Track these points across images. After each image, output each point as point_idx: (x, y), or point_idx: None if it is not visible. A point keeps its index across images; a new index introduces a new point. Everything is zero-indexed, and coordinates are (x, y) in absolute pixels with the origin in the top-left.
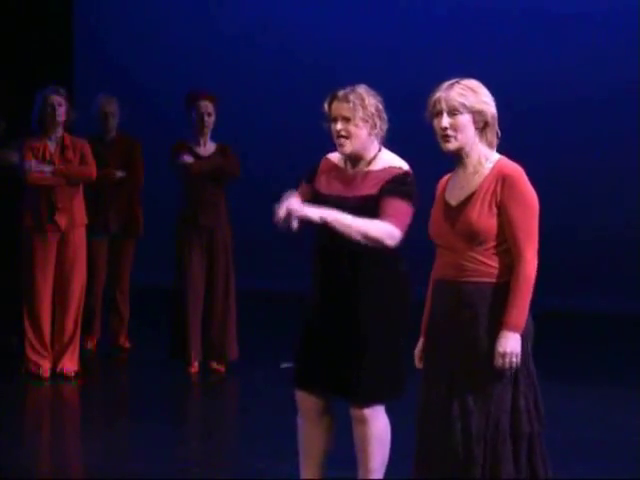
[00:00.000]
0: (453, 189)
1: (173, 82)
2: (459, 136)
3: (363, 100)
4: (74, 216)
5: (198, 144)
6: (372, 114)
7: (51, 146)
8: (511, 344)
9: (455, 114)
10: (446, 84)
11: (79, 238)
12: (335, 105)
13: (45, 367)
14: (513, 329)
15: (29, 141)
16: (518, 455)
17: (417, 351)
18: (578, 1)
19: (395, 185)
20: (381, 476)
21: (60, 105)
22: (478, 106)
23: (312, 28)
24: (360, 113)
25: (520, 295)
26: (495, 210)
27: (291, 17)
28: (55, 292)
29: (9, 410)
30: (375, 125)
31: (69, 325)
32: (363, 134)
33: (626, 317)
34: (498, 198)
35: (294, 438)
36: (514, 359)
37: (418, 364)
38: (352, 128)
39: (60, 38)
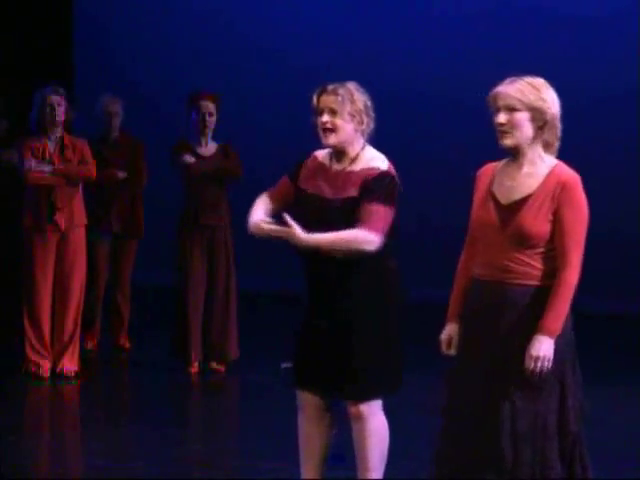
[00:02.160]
0: (503, 186)
1: (173, 82)
2: (515, 133)
3: (352, 95)
4: (74, 216)
5: (199, 144)
6: (360, 110)
7: (50, 146)
8: (544, 348)
9: (512, 110)
10: (508, 80)
11: (79, 238)
12: (323, 98)
13: (45, 367)
14: (548, 333)
15: (28, 141)
16: (564, 454)
17: (445, 337)
18: (577, 2)
19: (373, 189)
20: (381, 475)
21: (59, 105)
22: (536, 104)
23: (314, 28)
24: (348, 107)
25: (560, 300)
26: (551, 216)
27: (293, 17)
28: (55, 292)
29: (9, 410)
30: (362, 121)
31: (69, 325)
32: (349, 128)
33: (626, 317)
34: (555, 204)
35: (294, 438)
36: (546, 363)
37: (446, 350)
38: (338, 121)
39: (60, 38)
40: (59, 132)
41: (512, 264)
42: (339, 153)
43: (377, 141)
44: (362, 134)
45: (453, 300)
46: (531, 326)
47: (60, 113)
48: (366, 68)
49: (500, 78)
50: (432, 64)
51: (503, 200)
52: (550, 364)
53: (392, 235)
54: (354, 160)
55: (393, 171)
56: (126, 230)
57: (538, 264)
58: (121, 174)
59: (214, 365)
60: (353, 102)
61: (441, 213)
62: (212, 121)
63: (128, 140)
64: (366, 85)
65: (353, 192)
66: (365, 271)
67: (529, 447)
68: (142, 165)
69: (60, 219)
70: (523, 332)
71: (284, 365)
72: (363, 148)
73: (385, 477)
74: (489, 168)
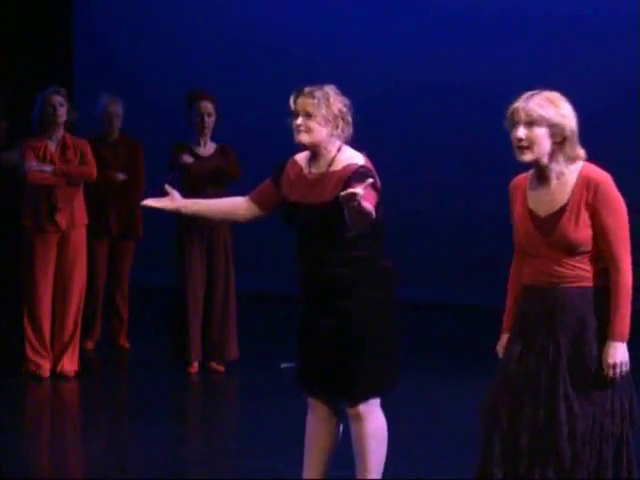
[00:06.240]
0: (538, 199)
1: (173, 82)
2: (534, 148)
3: (328, 99)
4: (74, 216)
5: (198, 144)
6: (335, 115)
7: (52, 146)
8: (620, 354)
9: (532, 125)
10: (526, 94)
11: (79, 238)
12: (300, 100)
13: (45, 367)
14: (620, 338)
15: (30, 141)
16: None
17: (500, 348)
18: (577, 4)
19: (356, 177)
20: (379, 475)
21: (61, 105)
22: (556, 119)
23: (315, 27)
24: (323, 111)
25: (622, 305)
26: (588, 221)
27: (292, 16)
28: (55, 292)
29: (9, 410)
30: (337, 126)
31: (69, 325)
32: (323, 132)
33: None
34: (591, 209)
35: (294, 438)
36: (624, 368)
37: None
38: (313, 124)
39: (60, 38)
40: (61, 132)
41: (563, 270)
42: (315, 155)
43: (378, 138)
44: (337, 138)
45: (507, 311)
46: (593, 328)
47: (62, 113)
48: (366, 67)
49: (499, 78)
50: (431, 65)
51: (541, 213)
52: (627, 368)
53: (381, 234)
54: (331, 164)
55: (371, 166)
56: (124, 231)
57: (588, 266)
58: (121, 177)
59: (214, 365)
60: (329, 106)
61: (434, 209)
62: (211, 121)
63: (127, 141)
64: (364, 82)
65: (331, 195)
66: (361, 271)
67: (586, 450)
68: (140, 167)
69: (60, 219)
70: (578, 333)
71: (284, 365)
72: (339, 149)
73: (385, 477)
74: (520, 181)
